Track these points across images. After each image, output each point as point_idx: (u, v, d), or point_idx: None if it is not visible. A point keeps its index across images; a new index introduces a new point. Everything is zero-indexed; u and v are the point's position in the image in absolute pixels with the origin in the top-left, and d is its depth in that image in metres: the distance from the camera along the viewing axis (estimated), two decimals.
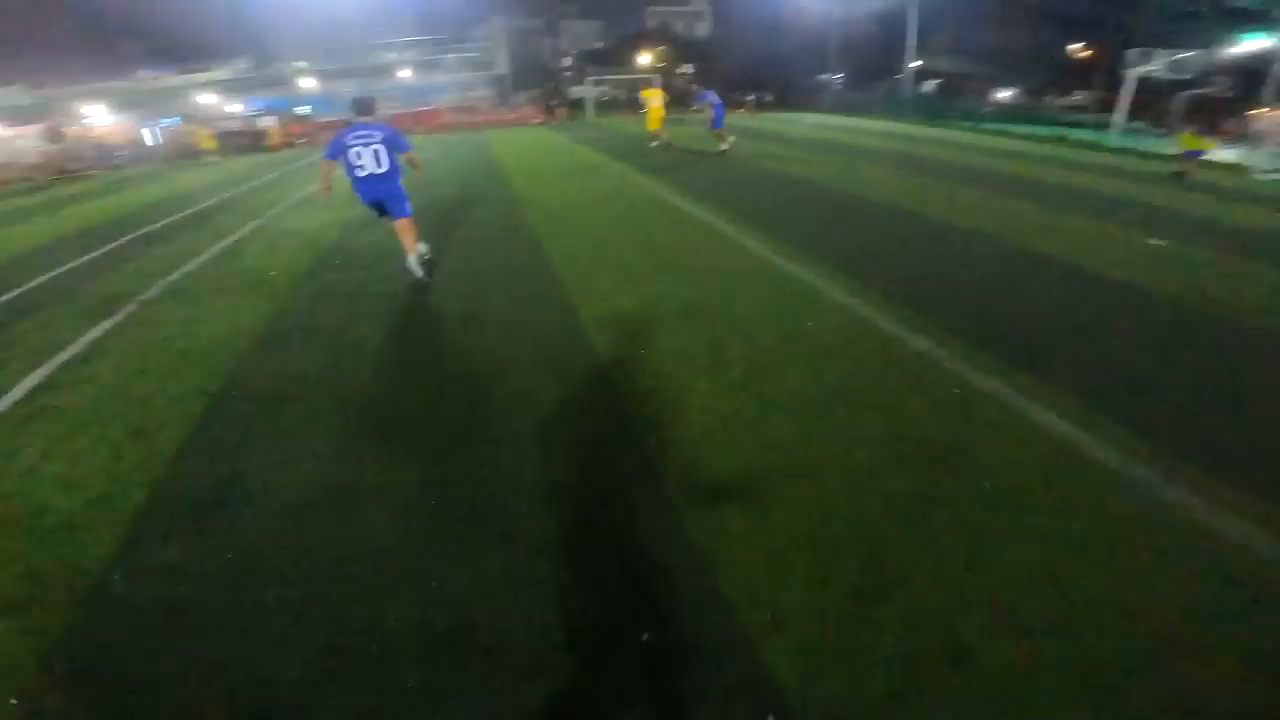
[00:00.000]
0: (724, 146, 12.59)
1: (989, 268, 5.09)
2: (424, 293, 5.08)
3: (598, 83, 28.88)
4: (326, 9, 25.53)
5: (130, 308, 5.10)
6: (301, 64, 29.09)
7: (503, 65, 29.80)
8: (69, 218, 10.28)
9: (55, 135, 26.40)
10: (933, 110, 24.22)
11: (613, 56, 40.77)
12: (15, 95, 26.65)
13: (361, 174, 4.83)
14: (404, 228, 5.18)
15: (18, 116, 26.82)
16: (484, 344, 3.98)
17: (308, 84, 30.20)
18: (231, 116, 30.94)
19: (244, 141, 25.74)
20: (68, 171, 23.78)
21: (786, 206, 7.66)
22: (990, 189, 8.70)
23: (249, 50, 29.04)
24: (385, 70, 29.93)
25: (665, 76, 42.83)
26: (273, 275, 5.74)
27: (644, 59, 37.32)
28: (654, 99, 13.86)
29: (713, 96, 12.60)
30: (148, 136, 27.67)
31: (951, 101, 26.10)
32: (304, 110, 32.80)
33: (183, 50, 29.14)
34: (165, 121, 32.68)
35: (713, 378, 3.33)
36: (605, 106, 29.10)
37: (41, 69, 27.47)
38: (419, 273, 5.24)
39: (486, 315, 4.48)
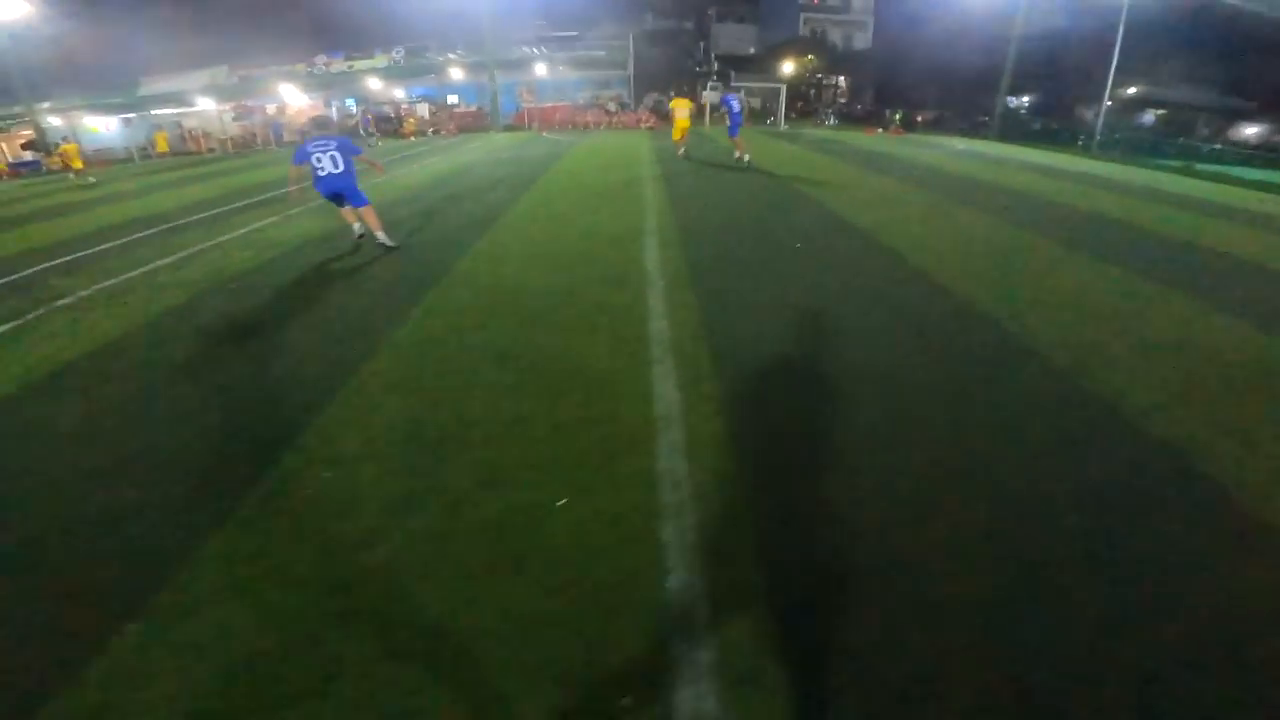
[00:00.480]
0: (740, 155, 11.87)
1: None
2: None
3: (732, 89, 27.24)
4: (472, 3, 26.53)
5: None
6: (452, 55, 30.69)
7: (629, 66, 29.14)
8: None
9: (242, 112, 30.66)
10: (1145, 148, 19.25)
11: (757, 64, 38.55)
12: (221, 76, 31.15)
13: (321, 174, 6.06)
14: (366, 214, 6.39)
15: (223, 95, 31.35)
16: None
17: (456, 74, 31.78)
18: (390, 103, 33.86)
19: (387, 127, 28.10)
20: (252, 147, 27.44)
21: (759, 262, 5.46)
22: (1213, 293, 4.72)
23: (403, 40, 31.22)
24: (522, 64, 30.70)
25: (808, 86, 40.02)
26: None
27: (787, 67, 34.70)
28: (680, 110, 13.51)
29: (734, 101, 11.72)
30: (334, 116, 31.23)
31: (1176, 139, 20.64)
32: (453, 99, 34.96)
33: (345, 37, 32.05)
34: (349, 103, 36.70)
35: None
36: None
37: (240, 52, 31.75)
38: (391, 243, 6.39)
39: None
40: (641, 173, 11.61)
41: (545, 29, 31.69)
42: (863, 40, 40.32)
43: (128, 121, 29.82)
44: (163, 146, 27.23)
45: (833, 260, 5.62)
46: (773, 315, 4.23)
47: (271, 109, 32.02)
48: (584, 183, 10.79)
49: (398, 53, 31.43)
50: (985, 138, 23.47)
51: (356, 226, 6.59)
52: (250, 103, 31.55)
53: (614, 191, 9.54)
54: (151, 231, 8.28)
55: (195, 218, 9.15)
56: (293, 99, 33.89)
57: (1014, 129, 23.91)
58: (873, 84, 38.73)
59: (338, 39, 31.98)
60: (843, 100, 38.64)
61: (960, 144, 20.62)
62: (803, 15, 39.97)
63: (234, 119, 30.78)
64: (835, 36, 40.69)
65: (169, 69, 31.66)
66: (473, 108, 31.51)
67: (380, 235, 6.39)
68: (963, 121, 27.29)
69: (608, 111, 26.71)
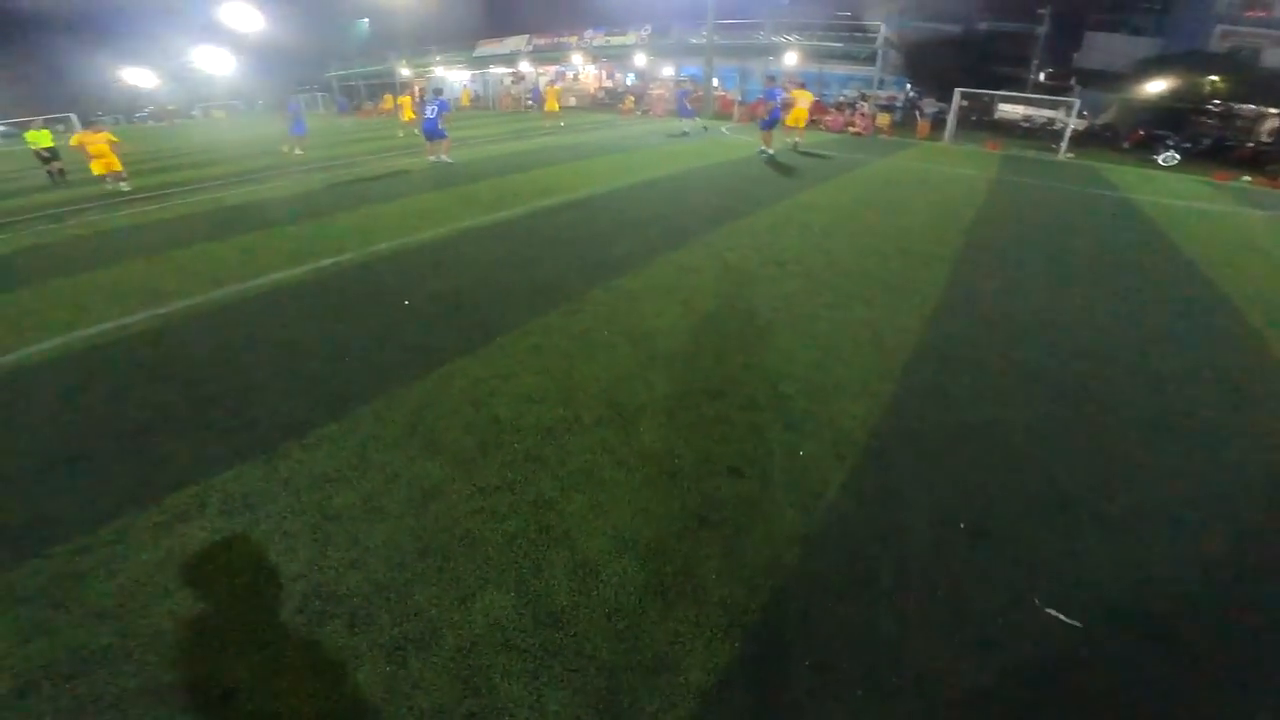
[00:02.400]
0: (765, 149, 12.49)
1: None
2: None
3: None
4: None
5: None
6: (694, 39, 29.26)
7: (882, 66, 23.68)
8: None
9: (517, 77, 34.08)
10: None
11: (1123, 80, 28.83)
12: (522, 43, 34.64)
13: (428, 115, 11.38)
14: (445, 145, 11.80)
15: (536, 59, 35.17)
16: None
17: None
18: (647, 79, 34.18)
19: (609, 101, 28.84)
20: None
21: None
22: None
23: (650, 19, 30.74)
24: (774, 50, 27.53)
25: (1197, 111, 28.66)
26: None
27: (1155, 85, 24.80)
28: (801, 99, 13.49)
29: (779, 94, 12.54)
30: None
31: None
32: (715, 83, 33.67)
33: (597, 14, 32.92)
34: (629, 77, 38.46)
35: None
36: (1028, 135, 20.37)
37: (528, 24, 34.94)
38: (449, 160, 11.78)
39: None
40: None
41: (804, 16, 28.19)
42: None
43: (474, 77, 35.51)
44: (465, 101, 31.72)
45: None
46: None
47: (530, 76, 35.11)
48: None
49: (644, 30, 31.25)
50: None
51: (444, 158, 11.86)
52: (526, 70, 35.20)
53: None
54: None
55: None
56: (579, 67, 36.90)
57: None
58: None
59: (589, 18, 33.32)
60: (1268, 139, 26.68)
61: None
62: (1220, 28, 28.65)
63: (512, 82, 34.40)
64: (1277, 56, 28.35)
65: (484, 37, 36.74)
66: (723, 92, 29.81)
67: (444, 157, 11.84)
68: None
69: (862, 115, 22.19)
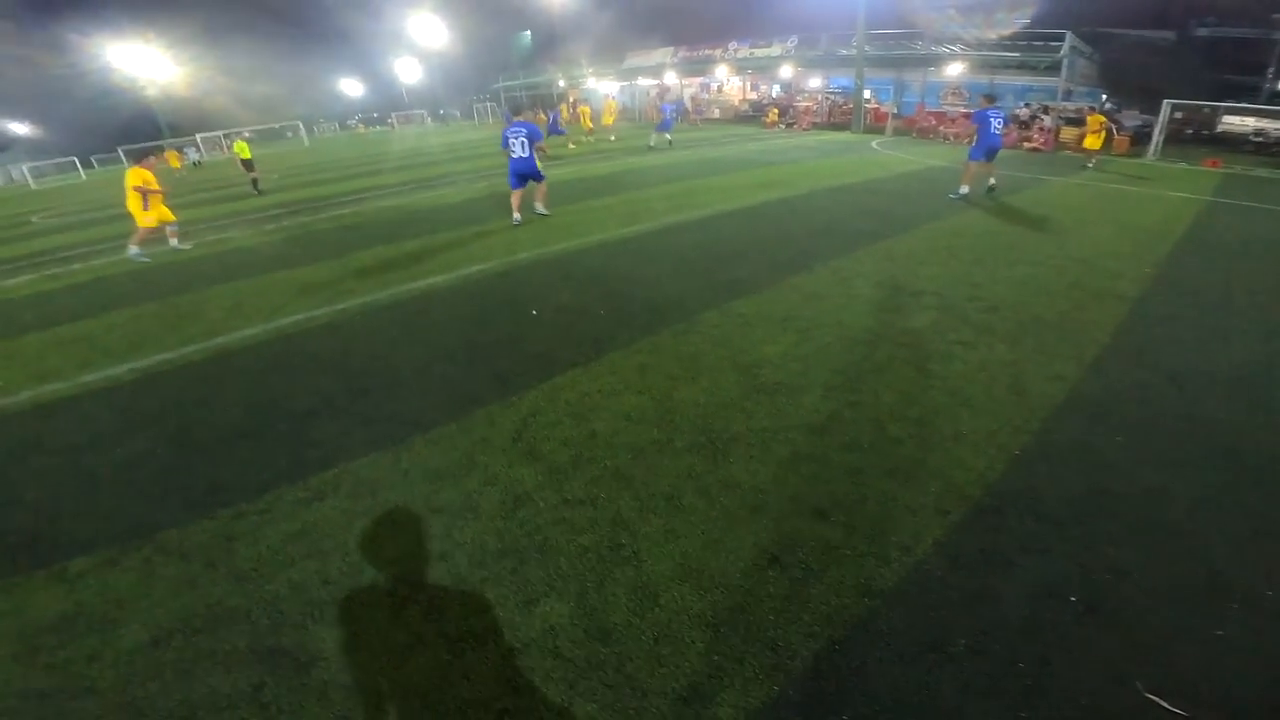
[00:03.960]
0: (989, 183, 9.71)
1: None
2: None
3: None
4: None
5: None
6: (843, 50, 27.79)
7: (1069, 76, 20.32)
8: None
9: (662, 91, 34.90)
10: None
11: None
12: (668, 55, 35.55)
13: (513, 156, 7.92)
14: (541, 190, 8.68)
15: (683, 70, 36.15)
16: None
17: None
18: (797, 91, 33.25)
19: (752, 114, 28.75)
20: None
21: None
22: None
23: (797, 30, 29.58)
24: (935, 61, 25.19)
25: None
26: None
27: None
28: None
29: (995, 118, 9.21)
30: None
31: None
32: (865, 94, 31.97)
33: (742, 26, 32.47)
34: (775, 88, 38.05)
35: None
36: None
37: (676, 38, 35.54)
38: (546, 212, 8.80)
39: None
40: None
41: (981, 23, 25.46)
42: None
43: (622, 89, 37.46)
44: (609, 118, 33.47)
45: None
46: None
47: (656, 89, 36.28)
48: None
49: (791, 41, 30.25)
50: None
51: (540, 207, 8.88)
52: (671, 81, 36.16)
53: None
54: None
55: None
56: (724, 79, 37.19)
57: None
58: None
59: (746, 26, 32.98)
60: None
61: None
62: None
63: (657, 95, 35.42)
64: None
65: (634, 49, 38.29)
66: (878, 105, 28.13)
67: (539, 206, 8.79)
68: None
69: (1042, 128, 19.53)
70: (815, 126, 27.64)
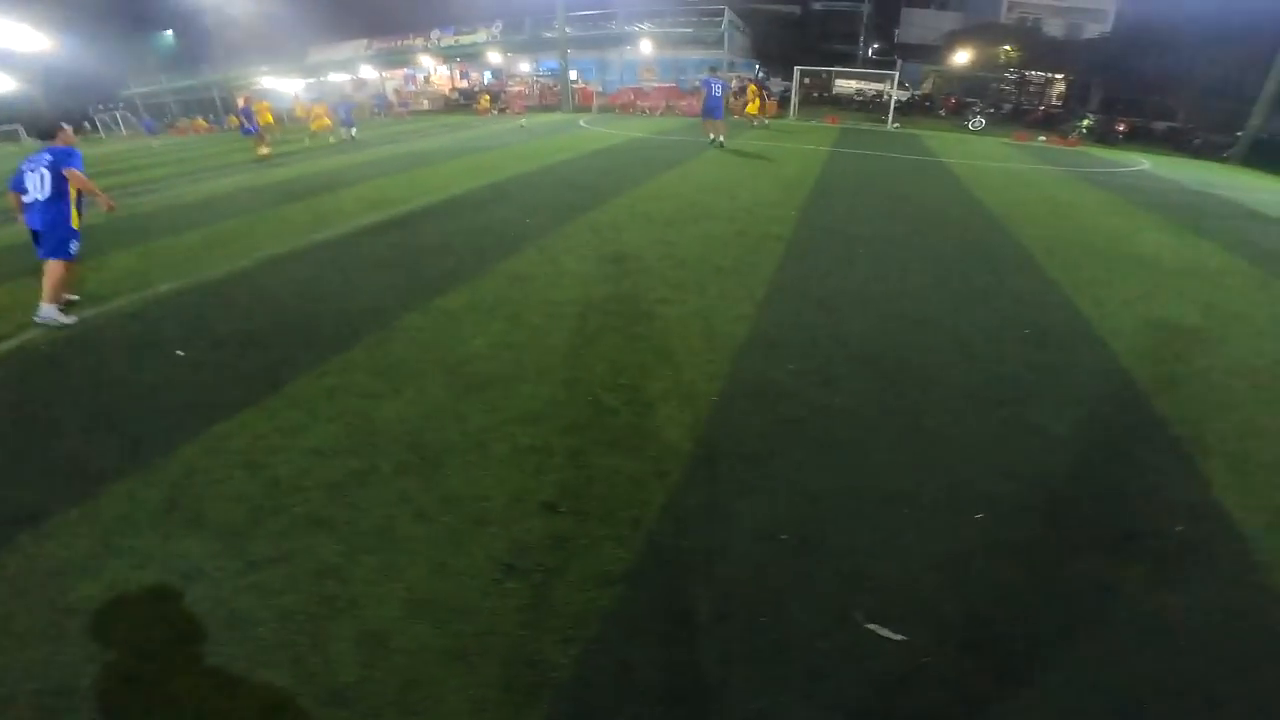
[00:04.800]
0: (716, 138, 12.54)
1: None
2: None
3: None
4: None
5: None
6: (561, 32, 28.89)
7: (729, 49, 24.63)
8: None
9: (359, 85, 31.94)
10: None
11: (938, 53, 31.95)
12: (359, 49, 32.42)
13: (28, 201, 4.30)
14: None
15: (381, 64, 32.76)
16: None
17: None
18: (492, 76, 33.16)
19: (463, 101, 27.95)
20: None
21: None
22: None
23: (500, 15, 29.96)
24: (629, 40, 27.74)
25: (999, 81, 32.61)
26: None
27: (961, 56, 27.84)
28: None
29: (716, 85, 12.21)
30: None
31: None
32: (573, 75, 33.25)
33: (442, 14, 31.62)
34: (487, 75, 36.99)
35: None
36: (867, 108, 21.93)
37: (370, 29, 32.72)
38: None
39: None
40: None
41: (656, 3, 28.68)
42: (1097, 34, 31.68)
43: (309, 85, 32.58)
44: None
45: None
46: None
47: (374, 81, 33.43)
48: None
49: (496, 27, 30.41)
50: (1223, 160, 16.16)
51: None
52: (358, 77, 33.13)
53: None
54: None
55: None
56: (430, 69, 34.98)
57: (1272, 153, 16.08)
58: (1101, 85, 30.01)
59: (447, 13, 31.76)
60: (1058, 103, 30.29)
61: (1145, 162, 14.12)
62: (1007, 0, 32.48)
63: (354, 89, 32.20)
64: (1056, 27, 32.61)
65: (317, 43, 33.90)
66: (585, 85, 29.43)
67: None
68: (1196, 138, 19.28)
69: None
70: (528, 110, 27.79)
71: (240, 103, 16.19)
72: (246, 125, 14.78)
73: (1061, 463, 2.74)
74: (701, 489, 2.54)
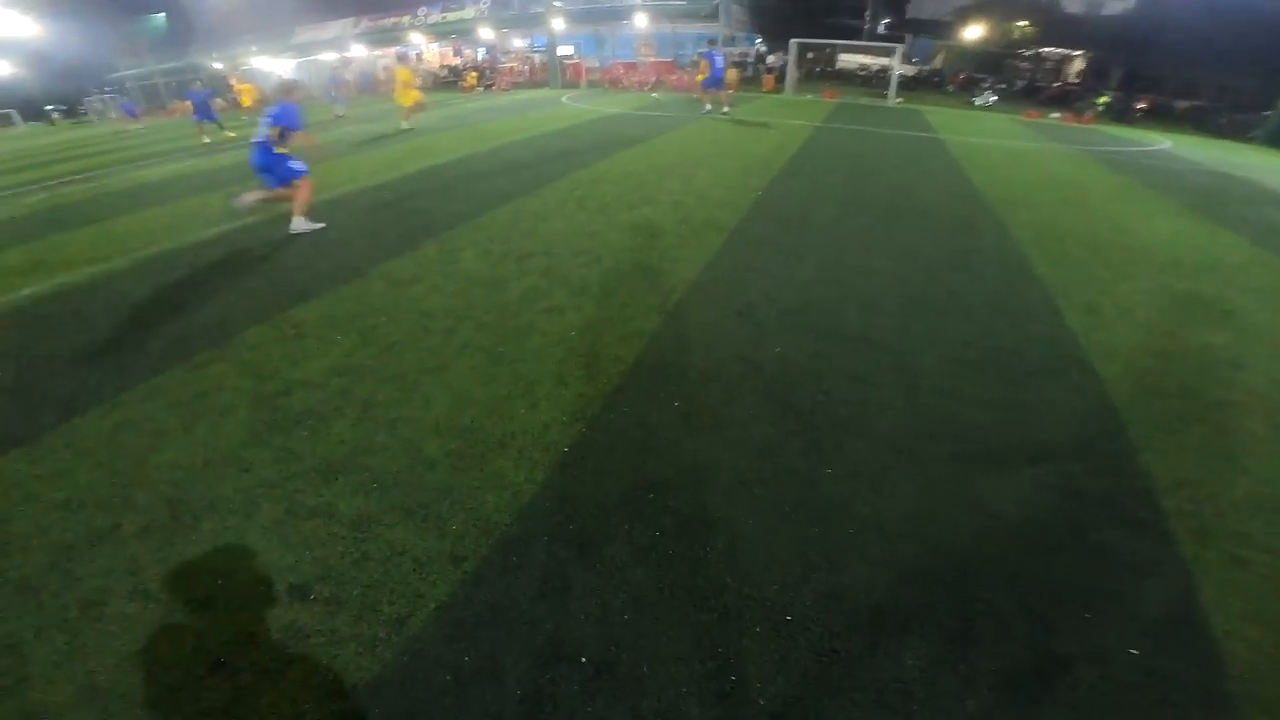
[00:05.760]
0: (720, 107, 13.10)
1: None
2: None
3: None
4: None
5: None
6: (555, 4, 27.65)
7: (727, 22, 23.35)
8: None
9: (344, 63, 30.89)
10: None
11: (950, 28, 30.30)
12: (346, 28, 31.29)
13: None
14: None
15: (371, 42, 31.70)
16: None
17: (557, 25, 28.84)
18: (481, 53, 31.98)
19: (451, 79, 27.21)
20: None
21: None
22: None
23: None
24: (624, 15, 26.47)
25: (1012, 57, 31.03)
26: None
27: (973, 31, 26.28)
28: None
29: (716, 56, 12.80)
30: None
31: None
32: (566, 50, 32.04)
33: None
34: (481, 52, 35.87)
35: None
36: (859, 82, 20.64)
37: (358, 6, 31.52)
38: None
39: None
40: None
41: None
42: (1119, 9, 29.79)
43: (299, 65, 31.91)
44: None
45: None
46: None
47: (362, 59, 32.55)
48: None
49: (484, 2, 29.18)
50: (1250, 140, 14.88)
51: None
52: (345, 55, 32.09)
53: None
54: None
55: None
56: (421, 46, 33.92)
57: None
58: (1123, 62, 28.35)
59: None
60: (1076, 80, 28.75)
61: (1166, 141, 12.93)
62: None
63: (340, 66, 31.40)
64: (1075, 3, 30.75)
65: (303, 23, 32.92)
66: (580, 60, 28.36)
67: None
68: (1222, 117, 17.93)
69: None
70: (516, 86, 26.82)
71: (198, 87, 14.94)
72: (208, 112, 13.73)
73: (999, 568, 1.93)
74: (498, 585, 1.83)
